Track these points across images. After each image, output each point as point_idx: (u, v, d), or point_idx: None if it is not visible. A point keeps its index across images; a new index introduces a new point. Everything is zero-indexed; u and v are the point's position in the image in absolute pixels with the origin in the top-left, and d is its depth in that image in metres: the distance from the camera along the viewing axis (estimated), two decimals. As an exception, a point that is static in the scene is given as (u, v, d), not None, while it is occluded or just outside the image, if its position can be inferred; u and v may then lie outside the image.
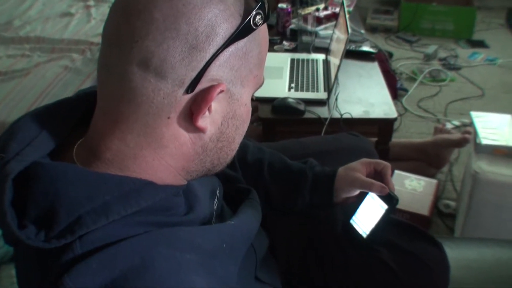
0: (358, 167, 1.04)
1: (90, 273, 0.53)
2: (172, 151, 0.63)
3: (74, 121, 0.68)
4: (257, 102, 1.96)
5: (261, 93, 1.95)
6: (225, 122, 0.65)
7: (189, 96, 0.60)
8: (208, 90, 0.60)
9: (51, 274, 0.55)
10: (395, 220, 1.14)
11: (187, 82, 0.59)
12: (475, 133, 1.76)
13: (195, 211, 0.71)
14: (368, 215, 1.01)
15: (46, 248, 0.55)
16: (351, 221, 1.03)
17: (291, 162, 1.11)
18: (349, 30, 1.80)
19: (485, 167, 1.65)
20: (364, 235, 1.00)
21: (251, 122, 2.17)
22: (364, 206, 1.03)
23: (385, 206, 0.98)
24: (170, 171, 0.65)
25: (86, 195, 0.57)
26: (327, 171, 1.07)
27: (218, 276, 0.65)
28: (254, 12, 0.61)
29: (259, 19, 0.62)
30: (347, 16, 1.91)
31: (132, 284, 0.53)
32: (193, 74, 0.58)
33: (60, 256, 0.55)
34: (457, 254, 1.21)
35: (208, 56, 0.59)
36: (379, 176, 1.04)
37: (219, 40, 0.59)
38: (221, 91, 0.61)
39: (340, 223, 1.08)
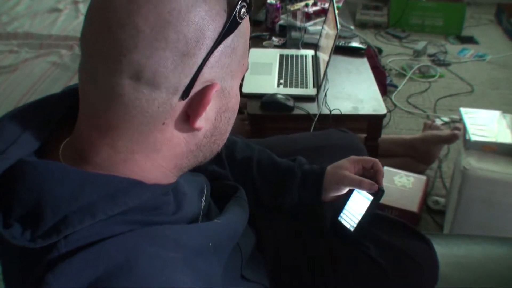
0: (346, 165, 1.04)
1: (74, 272, 0.53)
2: (165, 153, 0.63)
3: (59, 118, 0.67)
4: (246, 99, 1.95)
5: (249, 89, 1.97)
6: (218, 117, 0.65)
7: (184, 101, 0.59)
8: (204, 93, 0.59)
9: (36, 273, 0.54)
10: (384, 217, 1.13)
11: (182, 89, 0.58)
12: (465, 130, 1.76)
13: (183, 209, 0.70)
14: (355, 209, 1.01)
15: (31, 247, 0.54)
16: (339, 218, 1.03)
17: (280, 159, 1.10)
18: (338, 26, 1.79)
19: (474, 163, 1.64)
20: (352, 229, 1.00)
21: (243, 120, 2.16)
22: (351, 201, 1.03)
23: (371, 198, 0.99)
24: (162, 171, 0.64)
25: (73, 194, 0.56)
26: (316, 169, 1.06)
27: (203, 275, 0.64)
28: (238, 6, 0.60)
29: (244, 11, 0.61)
30: (336, 11, 1.90)
31: (116, 283, 0.53)
32: (187, 80, 0.58)
33: (45, 255, 0.54)
34: (445, 250, 1.22)
35: (199, 61, 0.57)
36: (368, 172, 1.03)
37: (209, 42, 0.58)
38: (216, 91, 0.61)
39: (328, 220, 1.07)
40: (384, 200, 1.93)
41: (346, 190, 1.04)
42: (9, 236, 0.54)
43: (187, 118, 0.61)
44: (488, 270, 1.17)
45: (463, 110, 1.85)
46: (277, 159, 1.10)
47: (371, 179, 1.00)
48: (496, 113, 1.84)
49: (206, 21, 0.57)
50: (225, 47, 0.60)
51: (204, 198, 0.83)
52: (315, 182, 1.04)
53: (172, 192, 0.69)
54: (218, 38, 0.58)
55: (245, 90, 1.97)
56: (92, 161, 0.60)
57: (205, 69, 0.58)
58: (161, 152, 0.62)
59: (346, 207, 1.03)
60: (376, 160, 1.03)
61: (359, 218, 1.00)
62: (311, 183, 1.04)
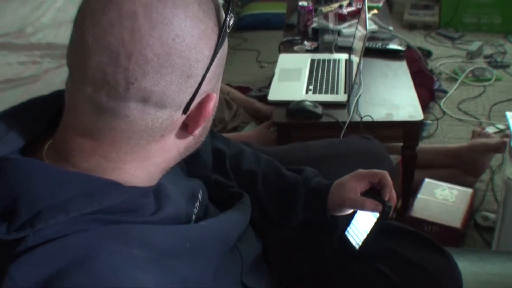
0: (350, 184, 1.04)
1: (35, 263, 0.57)
2: (157, 160, 0.70)
3: (46, 119, 0.72)
4: (273, 107, 1.97)
5: (276, 96, 1.99)
6: (208, 119, 0.71)
7: (185, 114, 0.66)
8: (204, 106, 0.67)
9: (2, 264, 0.58)
10: (398, 228, 1.13)
11: (184, 105, 0.65)
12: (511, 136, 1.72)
13: (164, 210, 0.74)
14: (361, 225, 1.02)
15: (5, 239, 0.58)
16: (346, 233, 1.04)
17: (287, 172, 1.12)
18: (367, 26, 1.79)
19: (520, 173, 1.60)
20: (357, 246, 1.01)
21: (268, 127, 2.18)
22: (358, 215, 1.04)
23: (377, 215, 0.99)
24: (148, 176, 0.70)
25: (49, 191, 0.61)
26: (321, 186, 1.08)
27: (177, 276, 0.68)
28: (228, 18, 0.66)
29: (231, 22, 0.67)
30: (366, 9, 1.91)
31: (75, 276, 0.56)
32: (188, 97, 0.65)
33: (14, 247, 0.58)
34: (477, 268, 1.20)
35: (200, 78, 0.64)
36: (378, 186, 1.03)
37: (206, 60, 0.64)
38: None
39: (339, 231, 1.08)
40: (423, 215, 1.92)
41: (350, 211, 1.05)
42: None
43: (185, 127, 0.68)
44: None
45: (509, 114, 1.80)
46: (284, 172, 1.12)
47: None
48: (548, 118, 1.79)
49: (203, 41, 0.63)
50: (218, 59, 0.66)
51: (198, 203, 0.87)
52: (319, 202, 1.06)
53: (153, 194, 0.73)
54: (214, 53, 0.65)
55: (271, 97, 1.99)
56: (79, 166, 0.65)
57: (204, 84, 0.65)
58: (153, 159, 0.69)
59: (353, 221, 1.04)
60: (384, 173, 1.03)
61: (365, 235, 1.00)
62: (315, 203, 1.07)
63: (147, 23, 0.58)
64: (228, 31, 0.67)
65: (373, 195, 1.02)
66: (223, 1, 0.69)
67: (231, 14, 0.66)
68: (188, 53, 0.61)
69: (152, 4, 0.59)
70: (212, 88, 0.69)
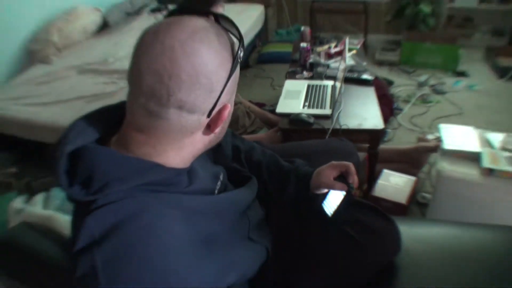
0: (326, 172, 1.06)
1: (103, 216, 0.62)
2: (188, 149, 0.72)
3: (115, 120, 0.74)
4: (280, 117, 2.02)
5: (282, 109, 2.04)
6: (225, 122, 0.74)
7: (208, 118, 0.69)
8: (222, 113, 0.70)
9: (82, 217, 0.63)
10: (362, 202, 1.15)
11: (207, 111, 0.67)
12: (442, 141, 1.76)
13: (194, 184, 0.77)
14: (333, 200, 1.04)
15: (84, 200, 0.63)
16: (323, 204, 1.06)
17: (284, 163, 1.14)
18: (346, 61, 1.84)
19: (447, 166, 1.64)
20: (330, 215, 1.03)
21: (275, 132, 2.22)
22: (331, 194, 1.06)
23: (344, 193, 1.02)
24: (183, 161, 0.73)
25: (114, 169, 0.65)
26: (307, 173, 1.09)
27: (202, 228, 0.71)
28: (239, 52, 0.69)
29: (242, 54, 0.70)
30: (346, 50, 1.95)
31: (130, 224, 0.61)
32: (211, 106, 0.67)
33: (89, 206, 0.63)
34: (412, 230, 1.24)
35: (219, 93, 0.67)
36: (346, 173, 1.05)
37: (223, 80, 0.67)
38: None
39: (318, 204, 1.10)
40: (381, 195, 1.96)
41: (326, 190, 1.07)
42: (72, 192, 0.64)
43: (208, 127, 0.71)
44: (442, 243, 1.18)
45: (442, 125, 1.84)
46: (282, 163, 1.14)
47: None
48: (469, 128, 1.82)
49: (221, 67, 0.66)
50: (232, 80, 0.69)
51: (219, 182, 0.89)
52: (305, 185, 1.08)
53: (187, 173, 0.76)
54: (229, 76, 0.67)
55: (279, 110, 2.04)
56: (134, 152, 0.68)
57: (222, 96, 0.68)
58: (186, 149, 0.71)
59: (327, 197, 1.06)
60: (350, 164, 1.04)
61: (335, 207, 1.03)
62: (302, 185, 1.09)
63: (182, 54, 0.62)
64: (239, 61, 0.69)
65: (341, 179, 1.04)
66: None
67: (242, 48, 0.69)
68: (211, 75, 0.64)
69: (185, 40, 0.62)
70: (228, 100, 0.71)
